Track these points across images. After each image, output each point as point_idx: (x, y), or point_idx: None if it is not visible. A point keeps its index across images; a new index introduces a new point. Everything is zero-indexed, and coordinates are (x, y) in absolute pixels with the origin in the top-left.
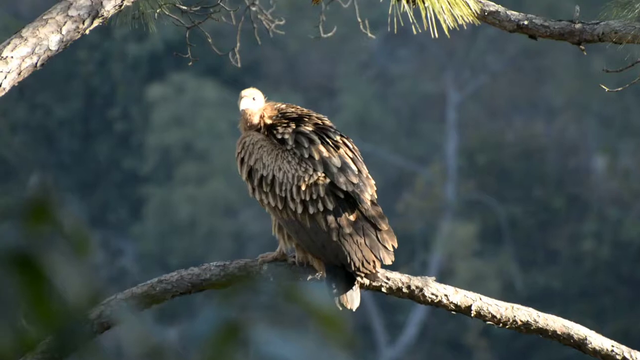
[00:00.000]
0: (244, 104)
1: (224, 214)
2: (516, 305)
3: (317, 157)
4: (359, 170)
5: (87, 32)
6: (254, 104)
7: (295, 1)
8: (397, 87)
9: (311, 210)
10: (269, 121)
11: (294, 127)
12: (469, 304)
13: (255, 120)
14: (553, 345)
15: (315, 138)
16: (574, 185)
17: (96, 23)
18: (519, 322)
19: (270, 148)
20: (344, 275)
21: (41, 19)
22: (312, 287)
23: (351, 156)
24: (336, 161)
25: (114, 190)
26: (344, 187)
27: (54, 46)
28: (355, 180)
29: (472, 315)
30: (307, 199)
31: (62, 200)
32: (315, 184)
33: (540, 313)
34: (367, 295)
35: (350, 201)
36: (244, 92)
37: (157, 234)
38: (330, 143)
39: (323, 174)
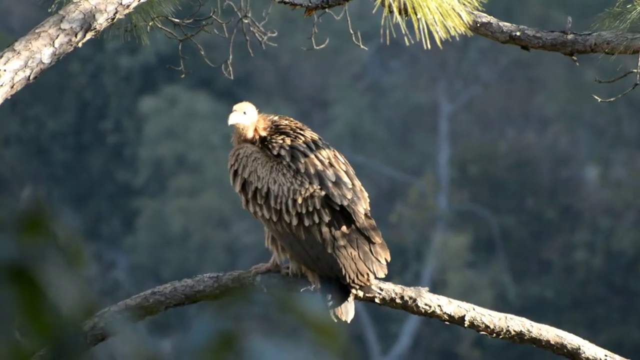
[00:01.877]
0: (232, 119)
1: (217, 225)
2: (509, 315)
3: (312, 170)
4: (353, 184)
5: (80, 45)
6: (244, 118)
7: (287, 13)
8: (390, 98)
9: (306, 222)
10: (263, 133)
11: (290, 142)
12: (463, 314)
13: (250, 134)
14: (546, 355)
15: (310, 152)
16: (567, 195)
17: (89, 36)
18: (513, 332)
19: (264, 160)
20: (338, 287)
21: (34, 33)
22: (306, 297)
23: (344, 170)
24: (331, 175)
25: (106, 203)
26: (338, 201)
27: (46, 59)
28: (349, 194)
29: (466, 325)
30: (303, 211)
31: (56, 212)
32: (312, 196)
33: (533, 323)
34: (360, 306)
35: (344, 214)
36: (235, 107)
37: (150, 246)
38: (324, 157)
39: (319, 187)
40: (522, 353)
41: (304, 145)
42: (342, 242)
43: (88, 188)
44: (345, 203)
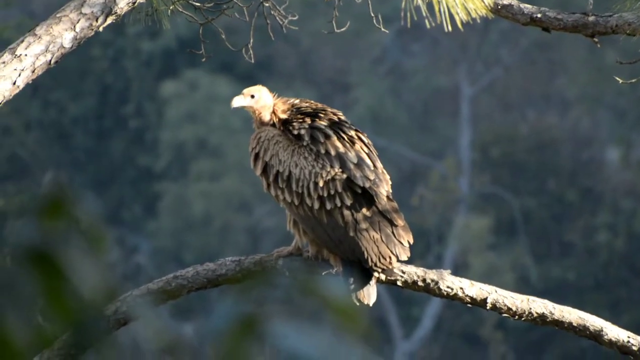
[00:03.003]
0: (235, 102)
1: (239, 209)
2: (532, 298)
3: (333, 152)
4: (375, 166)
5: (101, 29)
6: (249, 101)
7: None
8: (411, 81)
9: (328, 206)
10: (283, 116)
11: (310, 122)
12: (485, 297)
13: (266, 117)
14: (569, 337)
15: (331, 133)
16: (588, 177)
17: (109, 20)
18: (535, 314)
19: (286, 144)
20: (360, 271)
21: (55, 17)
22: (328, 281)
23: (366, 151)
24: (352, 157)
25: (128, 187)
26: (360, 183)
27: (67, 44)
28: (371, 175)
29: (488, 307)
30: (325, 195)
31: (78, 196)
32: (333, 179)
33: (555, 305)
34: (382, 289)
35: (366, 197)
36: (244, 90)
37: (171, 230)
38: (346, 138)
39: (340, 170)
40: (545, 335)
41: (325, 125)
42: (364, 225)
43: (109, 173)
44: (367, 185)
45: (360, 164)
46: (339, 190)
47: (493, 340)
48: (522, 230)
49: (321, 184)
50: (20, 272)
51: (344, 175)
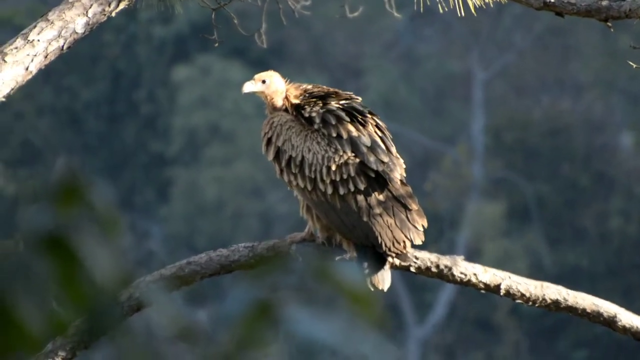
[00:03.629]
0: (246, 88)
1: (251, 195)
2: (545, 284)
3: (345, 136)
4: (388, 149)
5: (113, 14)
6: (260, 86)
7: None
8: (423, 66)
9: (341, 190)
10: (295, 101)
11: (322, 104)
12: (498, 283)
13: (278, 102)
14: (582, 323)
15: (344, 115)
16: (602, 162)
17: (122, 5)
18: (549, 300)
19: (299, 129)
20: (375, 256)
21: (67, 2)
22: (342, 266)
23: (380, 135)
24: (366, 140)
25: (140, 173)
26: (374, 167)
27: (80, 29)
28: (385, 159)
29: (502, 294)
30: (338, 179)
31: (91, 181)
32: (346, 163)
33: (569, 291)
34: (396, 275)
35: (380, 181)
36: (255, 76)
37: (184, 216)
38: (359, 119)
39: (353, 154)
40: (558, 321)
41: (337, 107)
42: (377, 210)
43: (122, 158)
44: (380, 168)
45: (373, 147)
46: (352, 174)
47: (506, 327)
48: (536, 216)
49: (334, 168)
50: (34, 258)
51: (357, 160)
